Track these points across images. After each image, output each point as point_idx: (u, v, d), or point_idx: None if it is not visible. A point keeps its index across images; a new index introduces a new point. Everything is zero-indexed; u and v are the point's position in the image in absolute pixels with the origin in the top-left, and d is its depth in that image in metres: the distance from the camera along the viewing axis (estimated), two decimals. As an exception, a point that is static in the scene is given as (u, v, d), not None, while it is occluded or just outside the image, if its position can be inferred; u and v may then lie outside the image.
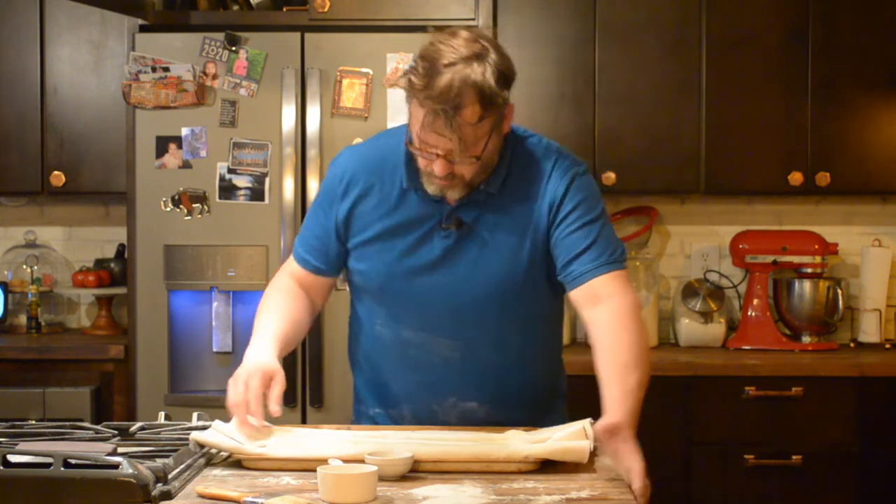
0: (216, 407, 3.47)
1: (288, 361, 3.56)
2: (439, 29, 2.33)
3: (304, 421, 3.60)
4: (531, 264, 2.36)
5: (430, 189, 2.32)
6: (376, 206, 2.38)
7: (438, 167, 2.25)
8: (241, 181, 3.60)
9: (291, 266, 2.54)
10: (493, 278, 2.35)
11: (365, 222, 2.39)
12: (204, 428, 2.46)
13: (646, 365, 2.38)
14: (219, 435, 2.23)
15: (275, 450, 2.19)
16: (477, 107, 2.23)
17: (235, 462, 2.24)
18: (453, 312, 2.37)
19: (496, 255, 2.35)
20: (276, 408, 2.25)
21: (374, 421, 2.53)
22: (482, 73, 2.25)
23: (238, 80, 3.59)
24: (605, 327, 2.32)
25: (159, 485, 2.00)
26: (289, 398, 3.58)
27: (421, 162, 2.29)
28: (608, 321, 2.32)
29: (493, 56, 2.29)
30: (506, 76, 2.32)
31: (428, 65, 2.22)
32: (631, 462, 2.19)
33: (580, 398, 3.71)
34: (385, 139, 2.48)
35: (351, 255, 2.43)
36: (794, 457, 3.69)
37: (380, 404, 2.51)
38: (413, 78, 2.22)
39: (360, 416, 2.57)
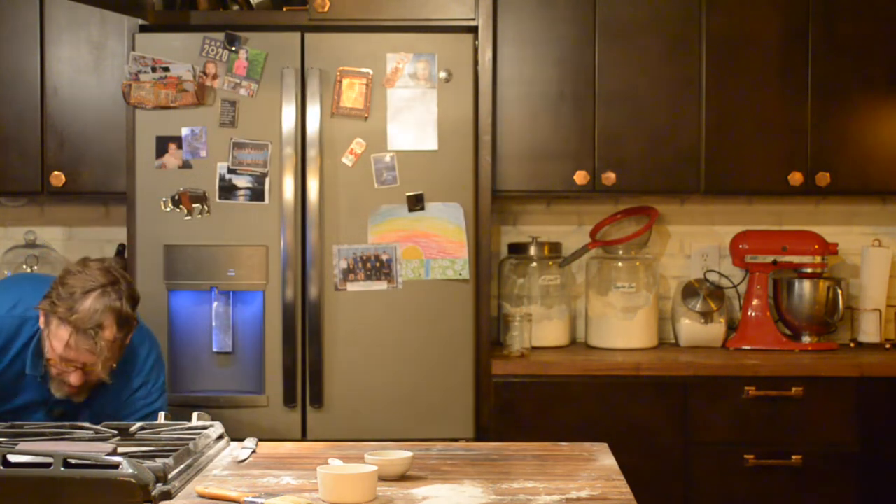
0: (216, 407, 3.48)
1: (288, 361, 3.57)
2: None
3: (303, 421, 3.60)
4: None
5: (58, 394, 2.77)
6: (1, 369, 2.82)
7: (75, 377, 2.73)
8: (241, 181, 3.59)
9: None
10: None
11: None
12: (204, 428, 2.47)
13: None
14: None
15: None
16: (114, 328, 2.73)
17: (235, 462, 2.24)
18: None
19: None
20: None
21: None
22: (118, 299, 2.76)
23: (238, 80, 3.59)
24: None
25: (159, 485, 2.00)
26: (289, 398, 3.58)
27: (53, 369, 2.74)
28: None
29: (124, 284, 2.82)
30: (135, 299, 2.85)
31: (69, 291, 2.72)
32: None
33: (579, 397, 3.73)
34: (15, 318, 2.86)
35: None
36: (794, 457, 3.69)
37: None
38: (57, 302, 2.71)
39: None
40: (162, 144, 3.59)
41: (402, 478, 2.19)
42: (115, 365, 2.81)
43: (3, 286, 3.17)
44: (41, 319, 2.80)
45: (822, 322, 4.09)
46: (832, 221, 4.32)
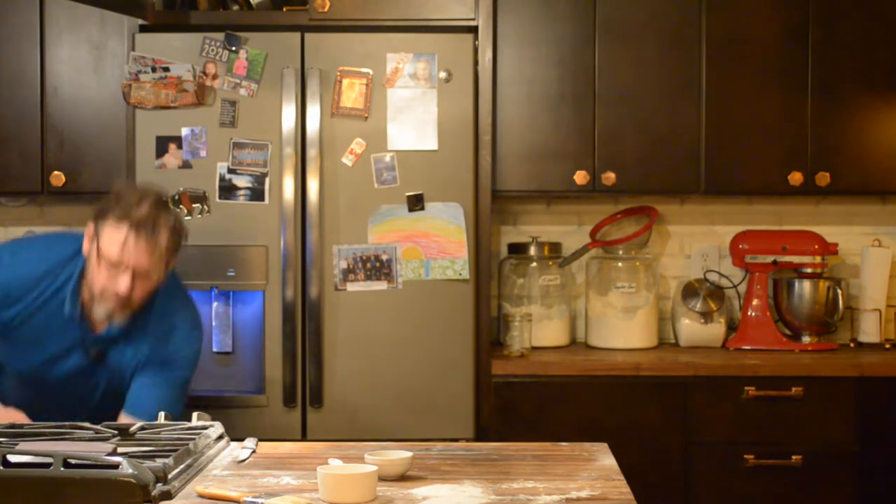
0: (216, 407, 3.48)
1: (288, 361, 3.57)
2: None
3: (303, 421, 3.60)
4: None
5: (100, 313, 2.80)
6: (31, 319, 2.85)
7: (124, 282, 2.73)
8: (241, 181, 3.59)
9: None
10: (109, 396, 2.93)
11: (19, 327, 2.85)
12: (204, 428, 2.46)
13: None
14: None
15: None
16: (168, 234, 2.78)
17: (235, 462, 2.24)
18: (78, 400, 2.94)
19: (117, 382, 2.93)
20: None
21: None
22: (173, 214, 2.86)
23: (238, 80, 3.59)
24: None
25: (159, 485, 2.00)
26: (289, 398, 3.58)
27: (101, 281, 2.75)
28: None
29: (175, 214, 2.91)
30: (185, 234, 2.90)
31: (126, 200, 2.77)
32: None
33: (579, 397, 3.73)
34: (52, 255, 2.90)
35: (1, 339, 2.90)
36: (794, 457, 3.69)
37: None
38: (113, 206, 2.75)
39: None
40: (162, 144, 3.59)
41: (402, 478, 2.19)
42: (161, 278, 2.84)
43: (15, 248, 3.09)
44: (88, 232, 2.81)
45: (822, 322, 4.09)
46: (832, 221, 4.32)
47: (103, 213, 2.78)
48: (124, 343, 2.91)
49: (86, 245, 2.83)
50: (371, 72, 3.58)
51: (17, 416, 2.83)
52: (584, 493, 2.09)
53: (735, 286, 4.22)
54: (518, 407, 3.72)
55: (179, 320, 2.99)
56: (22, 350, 2.90)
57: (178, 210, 2.91)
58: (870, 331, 4.17)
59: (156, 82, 3.58)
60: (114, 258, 2.74)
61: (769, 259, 4.09)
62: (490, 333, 3.74)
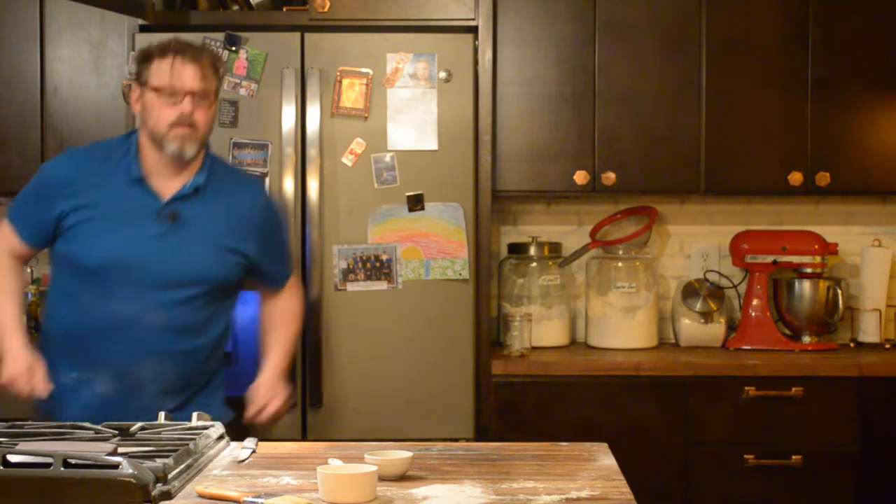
0: (216, 407, 3.47)
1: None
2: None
3: (303, 421, 3.60)
4: (228, 256, 2.90)
5: (171, 147, 2.79)
6: (98, 197, 2.83)
7: (187, 104, 2.77)
8: (241, 181, 3.59)
9: (6, 236, 2.93)
10: (195, 265, 2.85)
11: (87, 210, 2.82)
12: (204, 428, 2.46)
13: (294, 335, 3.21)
14: None
15: None
16: (208, 55, 2.85)
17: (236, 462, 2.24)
18: (162, 290, 2.82)
19: (199, 247, 2.85)
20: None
21: (70, 387, 2.85)
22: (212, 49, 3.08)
23: (238, 80, 3.59)
24: (281, 310, 3.14)
25: (159, 485, 2.00)
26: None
27: (164, 117, 2.78)
28: (284, 306, 3.14)
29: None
30: (223, 62, 3.03)
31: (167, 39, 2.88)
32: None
33: (579, 397, 3.73)
34: (102, 145, 2.96)
35: (65, 238, 2.84)
36: (794, 457, 3.69)
37: (75, 368, 2.86)
38: (151, 51, 2.82)
39: (56, 382, 2.86)
40: (162, 144, 3.59)
41: (402, 478, 2.19)
42: (212, 106, 2.87)
43: (67, 151, 3.13)
44: (134, 93, 2.86)
45: (822, 322, 4.09)
46: (832, 221, 4.32)
47: (145, 59, 2.83)
48: (195, 199, 2.86)
49: (134, 106, 2.88)
50: (371, 72, 3.58)
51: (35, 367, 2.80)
52: (584, 493, 2.09)
53: (735, 286, 4.22)
54: (518, 407, 3.72)
55: (242, 179, 3.09)
56: (98, 236, 2.82)
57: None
58: (870, 331, 4.17)
59: (156, 82, 3.57)
60: (167, 84, 2.78)
61: (769, 259, 4.10)
62: (490, 333, 3.74)
